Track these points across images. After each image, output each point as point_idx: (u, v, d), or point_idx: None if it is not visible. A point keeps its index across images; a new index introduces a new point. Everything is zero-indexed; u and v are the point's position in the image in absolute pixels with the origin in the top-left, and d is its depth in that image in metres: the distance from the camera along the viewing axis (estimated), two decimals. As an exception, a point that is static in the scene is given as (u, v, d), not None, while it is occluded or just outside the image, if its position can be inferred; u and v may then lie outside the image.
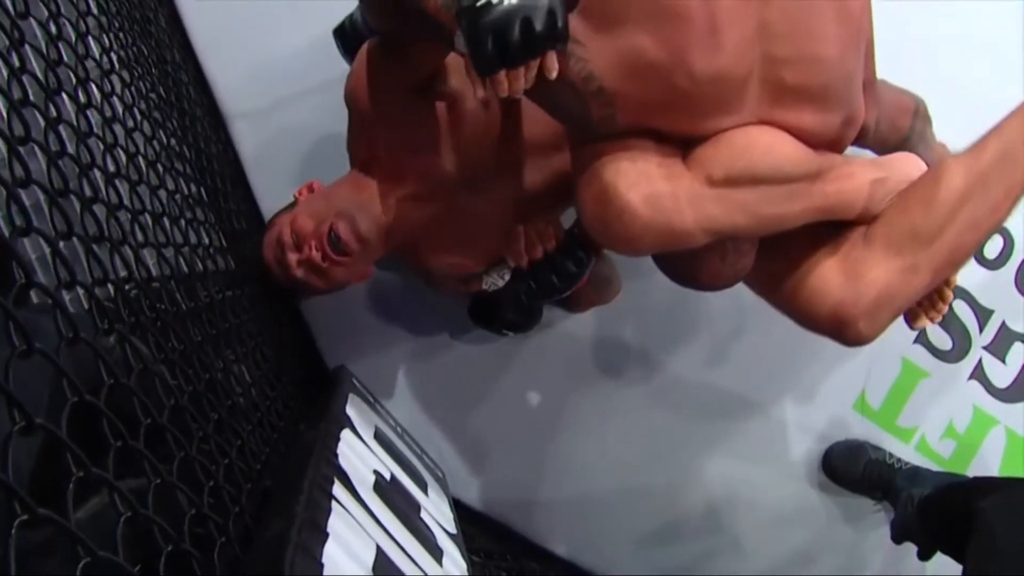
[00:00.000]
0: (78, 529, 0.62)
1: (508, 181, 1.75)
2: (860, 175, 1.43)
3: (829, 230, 1.46)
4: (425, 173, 1.71)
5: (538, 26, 1.13)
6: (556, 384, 2.23)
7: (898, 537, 1.98)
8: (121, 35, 1.40)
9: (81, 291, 0.83)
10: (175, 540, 0.80)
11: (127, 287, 0.94)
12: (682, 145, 1.35)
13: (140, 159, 1.22)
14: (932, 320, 1.60)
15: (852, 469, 2.21)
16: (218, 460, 1.03)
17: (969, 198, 1.38)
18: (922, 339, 2.22)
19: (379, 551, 1.07)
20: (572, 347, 2.21)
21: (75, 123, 0.99)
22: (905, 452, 2.25)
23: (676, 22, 1.25)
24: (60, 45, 1.05)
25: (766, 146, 1.34)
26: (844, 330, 1.44)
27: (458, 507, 1.85)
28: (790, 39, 1.31)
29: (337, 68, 1.81)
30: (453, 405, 2.23)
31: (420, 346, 2.18)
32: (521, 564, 2.10)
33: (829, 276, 1.45)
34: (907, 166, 1.51)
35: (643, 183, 1.28)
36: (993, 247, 2.23)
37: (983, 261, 2.22)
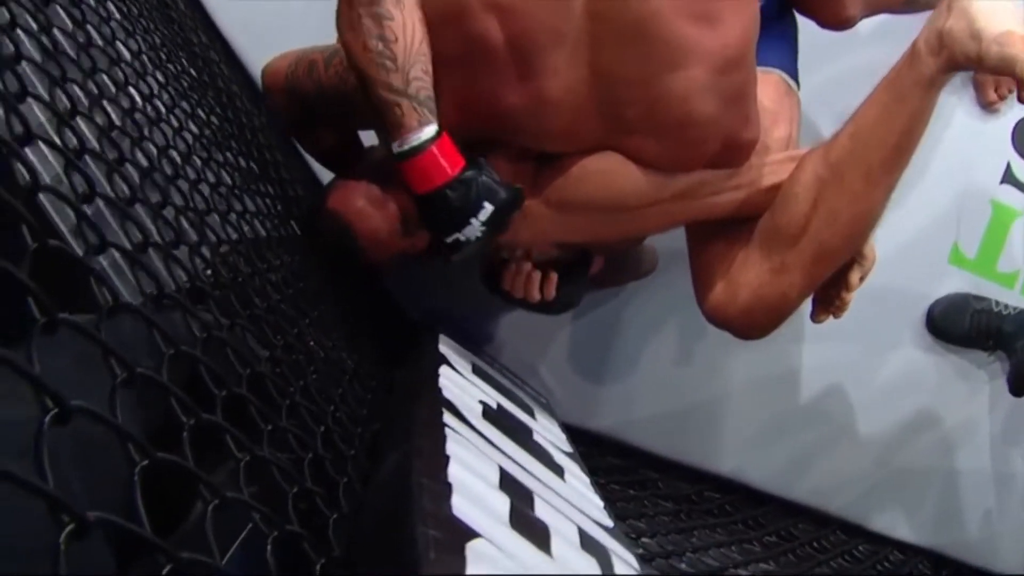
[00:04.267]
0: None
1: None
2: (752, 184, 1.42)
3: (734, 227, 1.46)
4: None
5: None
6: (644, 298, 2.20)
7: (1018, 388, 1.91)
8: (142, 21, 1.39)
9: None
10: (299, 481, 0.79)
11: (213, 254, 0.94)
12: (535, 159, 1.42)
13: (187, 135, 1.21)
14: (836, 315, 1.53)
15: (958, 324, 2.14)
16: (325, 408, 1.02)
17: (824, 190, 1.34)
18: (1009, 177, 2.14)
19: (502, 471, 1.06)
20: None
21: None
22: (1010, 297, 2.18)
23: (481, 66, 1.30)
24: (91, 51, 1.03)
25: (599, 178, 1.38)
26: (723, 328, 1.48)
27: (568, 431, 1.83)
28: (627, 83, 1.30)
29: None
30: (543, 334, 2.20)
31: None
32: (641, 475, 2.09)
33: (713, 275, 1.47)
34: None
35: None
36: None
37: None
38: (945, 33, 1.25)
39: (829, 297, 1.49)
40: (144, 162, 0.94)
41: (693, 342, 2.22)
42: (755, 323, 1.44)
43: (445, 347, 1.58)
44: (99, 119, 0.87)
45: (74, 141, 0.77)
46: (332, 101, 1.56)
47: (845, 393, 2.27)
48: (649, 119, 1.32)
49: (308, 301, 1.30)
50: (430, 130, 1.26)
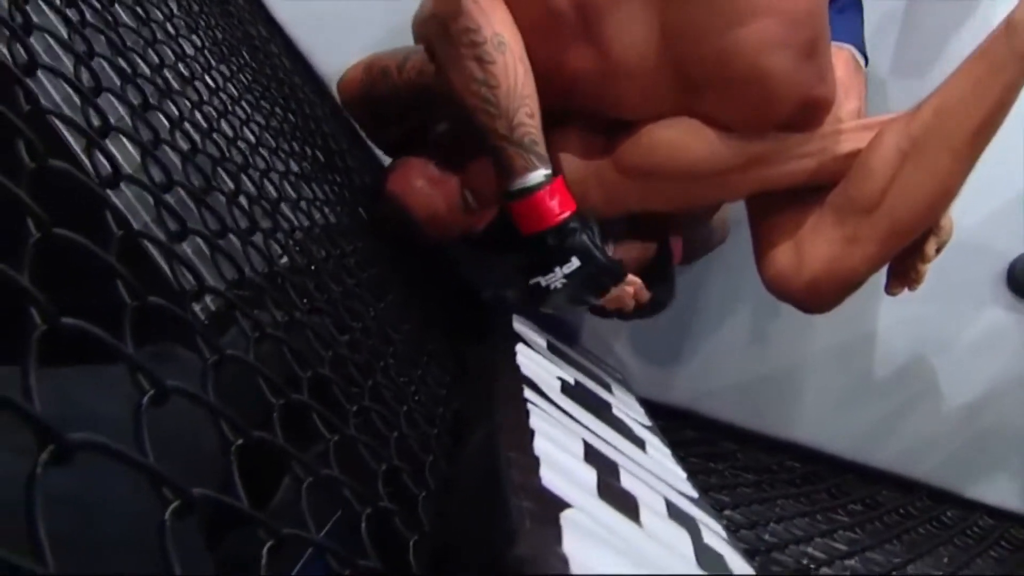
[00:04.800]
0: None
1: None
2: (828, 150, 1.37)
3: (806, 195, 1.41)
4: None
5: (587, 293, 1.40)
6: (714, 269, 2.17)
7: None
8: (203, 18, 1.41)
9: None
10: (387, 459, 0.79)
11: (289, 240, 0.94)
12: (609, 126, 1.40)
13: (254, 126, 1.22)
14: (911, 287, 1.46)
15: (1043, 280, 2.08)
16: (406, 390, 1.03)
17: (905, 163, 1.29)
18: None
19: (586, 444, 1.05)
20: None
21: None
22: (1097, 251, 2.11)
23: (551, 31, 1.30)
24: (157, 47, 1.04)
25: (670, 146, 1.36)
26: (786, 299, 1.43)
27: (646, 405, 1.82)
28: (697, 39, 1.28)
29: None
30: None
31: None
32: (720, 448, 2.07)
33: (782, 243, 1.42)
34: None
35: (575, 170, 1.39)
36: None
37: None
38: None
39: (904, 268, 1.43)
40: (216, 153, 0.95)
41: (766, 311, 2.19)
42: (820, 296, 1.40)
43: (519, 326, 1.57)
44: (170, 111, 0.88)
45: (148, 134, 0.78)
46: (407, 102, 1.60)
47: (925, 356, 2.22)
48: (721, 75, 1.29)
49: (381, 285, 1.31)
50: (536, 175, 1.30)
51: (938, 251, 1.42)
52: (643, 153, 1.37)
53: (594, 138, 1.42)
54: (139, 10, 1.06)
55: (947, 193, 1.31)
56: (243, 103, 1.23)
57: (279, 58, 1.78)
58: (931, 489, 2.25)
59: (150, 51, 0.97)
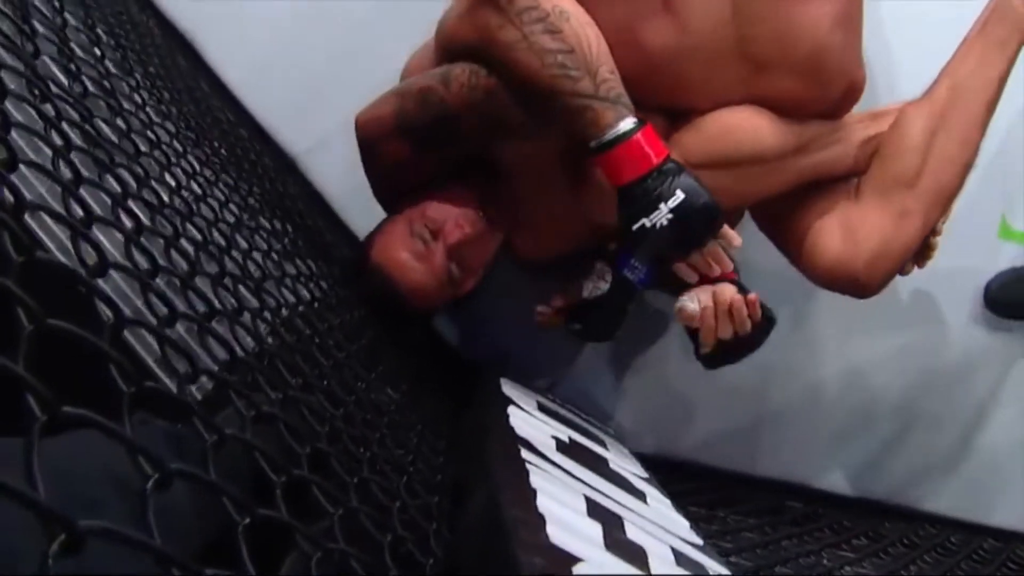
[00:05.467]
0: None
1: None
2: (846, 140, 1.50)
3: (826, 186, 1.53)
4: None
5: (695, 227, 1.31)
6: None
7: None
8: (175, 107, 1.42)
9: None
10: (392, 529, 0.79)
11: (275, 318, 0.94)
12: (669, 119, 1.44)
13: (232, 207, 1.22)
14: (920, 266, 1.60)
15: (1017, 296, 2.10)
16: (403, 459, 1.02)
17: (935, 139, 1.44)
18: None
19: (588, 499, 1.05)
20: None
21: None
22: (1065, 262, 2.14)
23: (629, 4, 1.35)
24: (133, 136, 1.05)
25: (738, 131, 1.43)
26: (845, 284, 1.50)
27: (640, 458, 1.81)
28: (763, 18, 1.36)
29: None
30: (597, 367, 2.19)
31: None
32: (718, 495, 2.06)
33: (828, 231, 1.50)
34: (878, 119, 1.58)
35: None
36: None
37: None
38: None
39: (919, 247, 1.54)
40: (197, 236, 0.95)
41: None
42: (880, 274, 1.48)
43: (508, 388, 1.57)
44: (150, 198, 0.88)
45: (131, 221, 0.78)
46: (463, 118, 1.48)
47: (912, 384, 2.22)
48: (784, 54, 1.38)
49: (371, 355, 1.30)
50: (630, 121, 1.28)
51: (943, 222, 1.56)
52: (715, 140, 1.42)
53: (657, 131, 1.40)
54: (112, 102, 1.06)
55: (974, 156, 1.47)
56: (220, 185, 1.23)
57: (248, 141, 1.80)
58: (933, 516, 2.24)
59: (126, 141, 0.97)
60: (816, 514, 2.16)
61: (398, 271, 1.57)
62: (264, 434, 0.72)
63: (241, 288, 0.94)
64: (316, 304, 1.26)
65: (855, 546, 2.00)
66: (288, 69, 2.05)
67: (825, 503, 2.22)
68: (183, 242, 0.87)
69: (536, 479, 0.99)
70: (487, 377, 1.64)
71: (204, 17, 2.04)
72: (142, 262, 0.72)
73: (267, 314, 0.97)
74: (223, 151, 1.52)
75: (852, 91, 1.47)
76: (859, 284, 1.49)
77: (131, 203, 0.82)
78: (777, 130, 1.44)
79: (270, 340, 0.94)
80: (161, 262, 0.74)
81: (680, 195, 1.27)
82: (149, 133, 1.08)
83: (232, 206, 1.21)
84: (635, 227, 1.30)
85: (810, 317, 2.15)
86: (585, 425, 1.73)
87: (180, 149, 1.19)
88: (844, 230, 1.48)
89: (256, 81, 2.05)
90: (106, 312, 0.57)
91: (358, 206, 2.00)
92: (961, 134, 1.44)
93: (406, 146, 1.54)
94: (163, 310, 0.68)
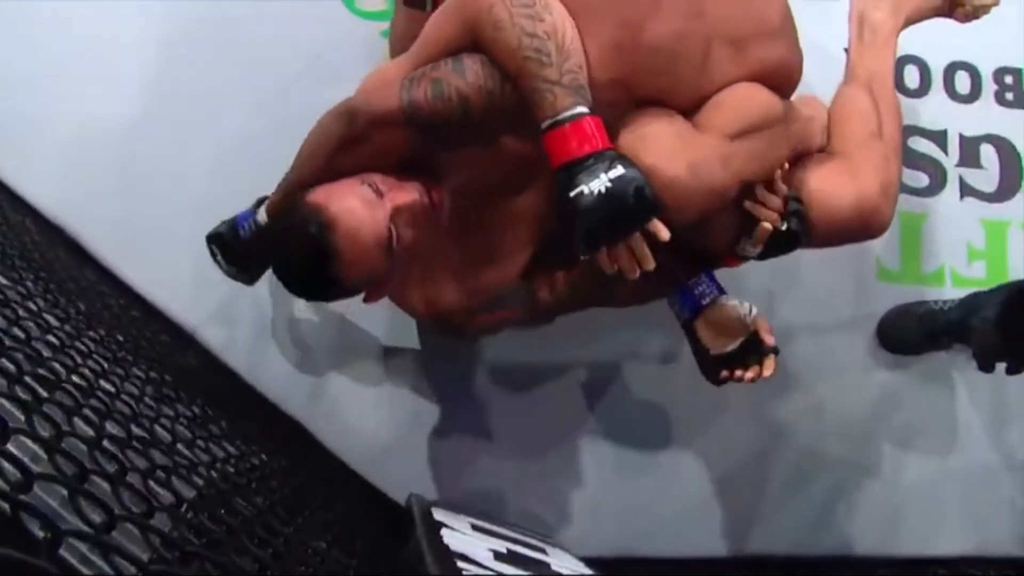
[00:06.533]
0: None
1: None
2: (800, 115, 1.67)
3: (805, 157, 1.70)
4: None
5: (630, 202, 1.33)
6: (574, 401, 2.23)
7: (984, 362, 1.95)
8: (62, 296, 1.42)
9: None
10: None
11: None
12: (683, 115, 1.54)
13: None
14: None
15: (908, 332, 2.20)
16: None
17: (877, 98, 1.78)
18: (904, 188, 2.24)
19: (533, 602, 1.05)
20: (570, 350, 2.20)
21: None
22: (945, 293, 2.25)
23: (627, 6, 1.48)
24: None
25: (753, 98, 1.55)
26: (870, 218, 1.64)
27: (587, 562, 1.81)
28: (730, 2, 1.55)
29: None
30: (518, 480, 2.18)
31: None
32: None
33: (835, 182, 1.65)
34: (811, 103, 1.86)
35: (679, 155, 1.44)
36: (911, 78, 2.41)
37: (911, 93, 2.38)
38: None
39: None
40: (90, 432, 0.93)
41: (656, 443, 2.23)
42: (891, 205, 1.67)
43: (440, 515, 1.57)
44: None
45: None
46: (477, 109, 1.45)
47: (830, 437, 2.27)
48: (759, 31, 1.56)
49: (300, 501, 1.30)
50: (584, 108, 1.36)
51: None
52: (738, 108, 1.53)
53: (687, 128, 1.51)
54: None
55: (900, 107, 1.84)
56: (114, 376, 1.23)
57: (141, 321, 1.80)
58: (886, 559, 2.25)
59: (15, 328, 0.98)
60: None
61: (342, 213, 1.38)
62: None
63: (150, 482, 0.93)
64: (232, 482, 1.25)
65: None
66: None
67: (777, 569, 2.22)
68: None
69: (476, 584, 1.00)
70: (417, 506, 1.64)
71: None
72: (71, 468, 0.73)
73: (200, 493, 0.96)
74: (118, 333, 1.52)
75: (798, 74, 1.65)
76: (881, 214, 1.64)
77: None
78: (772, 95, 1.57)
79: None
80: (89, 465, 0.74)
81: (621, 170, 1.34)
82: (39, 320, 1.09)
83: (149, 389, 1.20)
84: (572, 193, 1.33)
85: (725, 391, 2.17)
86: (521, 537, 1.72)
87: (84, 349, 1.19)
88: (848, 176, 1.64)
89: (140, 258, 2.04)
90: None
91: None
92: (888, 93, 1.81)
93: (411, 137, 1.47)
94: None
